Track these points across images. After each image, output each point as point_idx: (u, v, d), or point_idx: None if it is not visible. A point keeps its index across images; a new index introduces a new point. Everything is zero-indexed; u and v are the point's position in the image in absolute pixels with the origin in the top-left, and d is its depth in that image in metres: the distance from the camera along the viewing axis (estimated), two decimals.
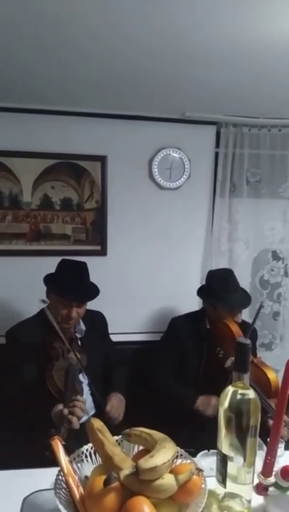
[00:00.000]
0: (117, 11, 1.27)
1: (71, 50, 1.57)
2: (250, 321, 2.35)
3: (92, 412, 1.84)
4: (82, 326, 1.93)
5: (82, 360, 1.77)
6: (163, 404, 1.96)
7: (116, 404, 1.84)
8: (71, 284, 1.80)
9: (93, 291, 1.87)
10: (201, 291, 2.13)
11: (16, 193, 2.30)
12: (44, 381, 1.62)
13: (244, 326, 2.04)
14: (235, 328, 1.92)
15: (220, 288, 2.01)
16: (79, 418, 1.38)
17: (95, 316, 2.04)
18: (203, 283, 2.23)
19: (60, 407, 1.41)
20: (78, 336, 1.90)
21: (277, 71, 1.71)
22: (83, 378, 1.82)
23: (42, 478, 1.07)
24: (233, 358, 1.84)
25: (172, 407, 1.93)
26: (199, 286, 2.20)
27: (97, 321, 2.05)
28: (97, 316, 2.07)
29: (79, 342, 1.89)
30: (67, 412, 1.37)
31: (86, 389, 1.82)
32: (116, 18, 1.32)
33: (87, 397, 1.80)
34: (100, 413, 1.77)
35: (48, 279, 1.87)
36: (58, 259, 1.94)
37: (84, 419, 1.60)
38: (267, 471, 0.98)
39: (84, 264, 1.89)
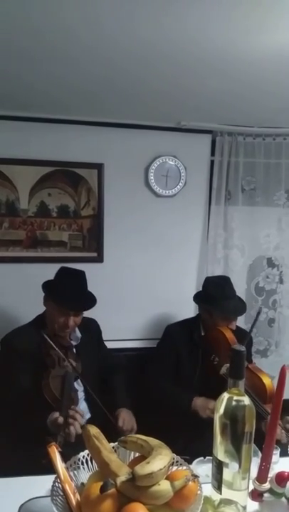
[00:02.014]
0: (110, 25, 1.29)
1: (66, 63, 1.60)
2: (246, 327, 2.37)
3: (88, 416, 1.83)
4: (78, 334, 1.93)
5: (78, 368, 1.78)
6: (159, 410, 1.96)
7: (127, 418, 1.82)
8: (70, 293, 1.80)
9: (90, 301, 1.88)
10: (198, 297, 2.15)
11: (12, 200, 2.31)
12: (40, 389, 1.62)
13: (239, 332, 2.05)
14: (229, 335, 1.93)
15: (217, 294, 2.03)
16: (77, 432, 1.38)
17: (90, 324, 2.05)
18: (199, 289, 2.24)
19: (56, 415, 1.41)
20: (74, 343, 1.90)
21: (270, 81, 1.74)
22: (78, 386, 1.82)
23: (38, 485, 1.07)
24: (228, 365, 1.86)
25: (169, 411, 1.93)
26: (195, 292, 2.21)
27: (91, 328, 2.05)
28: (91, 323, 2.08)
29: (74, 350, 1.89)
30: (62, 421, 1.37)
31: (81, 395, 1.82)
32: (110, 32, 1.34)
33: (81, 402, 1.80)
34: (97, 418, 1.76)
35: (47, 287, 1.87)
36: (54, 266, 1.95)
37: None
38: (262, 477, 0.99)
39: (83, 273, 1.90)
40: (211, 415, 1.77)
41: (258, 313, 1.91)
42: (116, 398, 1.92)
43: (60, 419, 1.38)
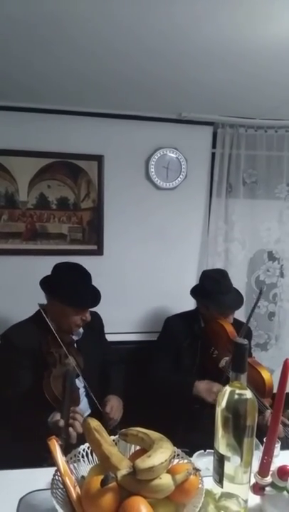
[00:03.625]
0: (116, 11, 1.27)
1: (69, 48, 1.56)
2: (245, 317, 2.36)
3: (88, 412, 1.83)
4: (80, 329, 1.91)
5: (80, 363, 1.76)
6: (159, 401, 1.96)
7: (116, 405, 1.82)
8: (79, 292, 1.76)
9: (98, 296, 1.86)
10: (194, 291, 2.14)
11: (12, 192, 2.29)
12: (41, 388, 1.60)
13: (237, 324, 2.04)
14: (229, 328, 1.93)
15: (212, 289, 2.02)
16: (78, 433, 1.36)
17: (93, 318, 2.03)
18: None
19: (57, 417, 1.39)
20: (75, 338, 1.88)
21: (274, 71, 1.72)
22: (79, 382, 1.80)
23: (38, 478, 1.06)
24: (227, 358, 1.87)
25: (171, 400, 1.92)
26: (193, 286, 2.20)
27: (94, 322, 2.03)
28: (94, 316, 2.05)
29: (75, 345, 1.87)
30: (63, 424, 1.35)
31: (81, 390, 1.81)
32: (115, 18, 1.31)
33: (82, 398, 1.79)
34: (96, 413, 1.76)
35: (49, 286, 1.80)
36: (54, 259, 1.92)
37: None
38: (264, 470, 0.98)
39: (82, 266, 1.86)
40: (215, 399, 1.76)
41: (260, 293, 1.80)
42: (109, 386, 1.92)
43: (61, 423, 1.36)
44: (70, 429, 1.36)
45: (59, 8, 1.26)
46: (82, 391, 1.80)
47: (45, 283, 1.82)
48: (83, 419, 1.66)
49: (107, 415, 1.75)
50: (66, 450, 0.99)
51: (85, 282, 1.83)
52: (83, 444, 1.03)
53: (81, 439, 1.03)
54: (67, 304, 1.75)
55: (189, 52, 1.56)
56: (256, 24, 1.33)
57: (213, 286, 2.03)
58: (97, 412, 1.77)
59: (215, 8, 1.23)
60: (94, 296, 1.83)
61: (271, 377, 1.80)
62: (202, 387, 1.86)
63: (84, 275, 1.84)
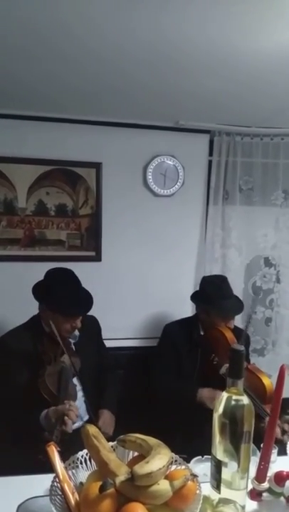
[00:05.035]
0: (109, 26, 1.30)
1: (65, 63, 1.60)
2: (243, 326, 2.38)
3: (86, 417, 1.83)
4: (76, 332, 1.92)
5: (76, 364, 1.77)
6: (162, 407, 1.96)
7: (107, 420, 1.83)
8: (67, 300, 1.76)
9: (89, 302, 1.86)
10: (195, 297, 2.15)
11: (10, 199, 2.31)
12: (36, 387, 1.62)
13: (237, 331, 2.05)
14: (229, 335, 1.93)
15: (214, 294, 2.03)
16: (73, 422, 1.38)
17: (89, 321, 2.04)
18: (197, 289, 2.24)
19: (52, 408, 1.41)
20: (72, 341, 1.90)
21: (268, 81, 1.75)
22: (77, 382, 1.81)
23: (37, 484, 1.06)
24: (227, 365, 1.86)
25: (174, 406, 1.92)
26: (193, 292, 2.21)
27: (90, 326, 2.04)
28: (91, 320, 2.07)
29: (73, 347, 1.88)
30: (60, 408, 1.36)
31: (80, 394, 1.81)
32: (108, 33, 1.34)
33: (81, 403, 1.79)
34: (92, 422, 1.76)
35: (40, 295, 1.81)
36: (52, 265, 1.93)
37: (78, 424, 1.60)
38: (261, 476, 0.99)
39: (73, 273, 1.86)
40: None
41: (250, 317, 1.86)
42: (102, 398, 1.93)
43: (60, 407, 1.37)
44: (65, 417, 1.36)
45: (63, 13, 1.27)
46: (80, 395, 1.80)
47: (36, 289, 1.84)
48: (81, 421, 1.69)
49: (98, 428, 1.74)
50: (61, 443, 1.00)
51: (75, 289, 1.83)
52: (81, 449, 1.04)
53: (78, 446, 1.03)
54: (56, 311, 1.76)
55: (184, 64, 1.59)
56: (250, 35, 1.36)
57: (214, 292, 2.04)
58: (92, 422, 1.77)
59: (207, 20, 1.26)
60: (84, 303, 1.83)
61: (272, 383, 1.80)
62: (205, 395, 1.87)
63: (74, 282, 1.84)
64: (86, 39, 1.40)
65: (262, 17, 1.24)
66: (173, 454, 0.99)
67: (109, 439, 1.64)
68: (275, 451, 1.22)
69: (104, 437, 1.73)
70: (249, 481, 0.98)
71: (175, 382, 2.01)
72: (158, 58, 1.54)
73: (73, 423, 1.38)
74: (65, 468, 0.96)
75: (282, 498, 0.98)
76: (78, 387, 1.80)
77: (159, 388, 2.00)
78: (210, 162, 2.53)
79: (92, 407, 1.81)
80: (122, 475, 0.87)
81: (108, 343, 2.22)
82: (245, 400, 0.93)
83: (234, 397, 0.93)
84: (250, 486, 0.99)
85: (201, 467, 1.17)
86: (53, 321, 1.75)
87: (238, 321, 2.23)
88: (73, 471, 1.02)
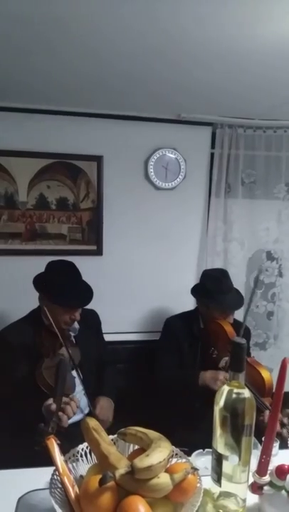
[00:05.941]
0: (119, 9, 1.27)
1: (72, 47, 1.56)
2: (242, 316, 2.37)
3: (87, 410, 1.83)
4: (76, 325, 1.92)
5: (76, 355, 1.77)
6: (165, 399, 1.96)
7: (105, 406, 1.83)
8: (67, 292, 1.76)
9: (88, 295, 1.85)
10: (195, 290, 2.14)
11: (11, 193, 2.30)
12: (35, 379, 1.62)
13: (236, 325, 2.04)
14: (229, 329, 1.93)
15: (214, 288, 2.02)
16: (69, 417, 1.38)
17: (89, 314, 2.04)
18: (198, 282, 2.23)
19: (50, 401, 1.41)
20: (72, 334, 1.90)
21: (274, 71, 1.72)
22: (76, 374, 1.81)
23: (37, 477, 1.07)
24: (226, 358, 1.87)
25: (176, 396, 1.92)
26: (193, 285, 2.20)
27: (90, 319, 2.04)
28: (91, 314, 2.07)
29: (73, 340, 1.88)
30: (54, 408, 1.36)
31: (80, 387, 1.81)
32: (118, 16, 1.31)
33: (80, 396, 1.79)
34: (92, 415, 1.76)
35: (40, 286, 1.82)
36: (53, 259, 1.93)
37: (78, 417, 1.60)
38: (262, 470, 0.99)
39: (74, 265, 1.86)
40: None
41: (258, 277, 1.79)
42: (101, 387, 1.92)
43: (53, 407, 1.36)
44: (60, 413, 1.36)
45: (61, 7, 1.26)
46: (80, 388, 1.81)
47: (37, 280, 1.84)
48: (82, 414, 1.68)
49: (96, 416, 1.74)
50: (57, 434, 0.99)
51: (75, 282, 1.83)
52: (82, 443, 1.03)
53: (79, 438, 1.03)
54: (55, 302, 1.77)
55: (192, 52, 1.56)
56: (251, 25, 1.34)
57: (214, 286, 2.03)
58: (92, 414, 1.77)
59: (219, 6, 1.23)
60: (84, 296, 1.83)
61: (271, 376, 1.80)
62: (208, 376, 1.86)
63: (74, 274, 1.84)
64: (94, 24, 1.37)
65: (271, 4, 1.21)
66: (173, 448, 0.99)
67: (110, 428, 1.65)
68: (276, 444, 1.22)
69: (103, 424, 1.75)
70: (250, 474, 0.97)
71: (176, 370, 2.01)
72: (167, 45, 1.51)
73: (69, 418, 1.38)
74: (66, 461, 0.96)
75: (283, 492, 0.98)
76: (78, 380, 1.80)
77: (161, 376, 2.00)
78: (212, 155, 2.51)
79: (92, 399, 1.81)
80: (122, 468, 0.87)
81: (109, 337, 2.23)
82: (246, 393, 0.92)
83: (235, 390, 0.92)
84: (251, 480, 0.98)
85: (202, 460, 1.17)
86: (52, 313, 1.75)
87: (240, 313, 2.22)
88: (74, 464, 1.02)
